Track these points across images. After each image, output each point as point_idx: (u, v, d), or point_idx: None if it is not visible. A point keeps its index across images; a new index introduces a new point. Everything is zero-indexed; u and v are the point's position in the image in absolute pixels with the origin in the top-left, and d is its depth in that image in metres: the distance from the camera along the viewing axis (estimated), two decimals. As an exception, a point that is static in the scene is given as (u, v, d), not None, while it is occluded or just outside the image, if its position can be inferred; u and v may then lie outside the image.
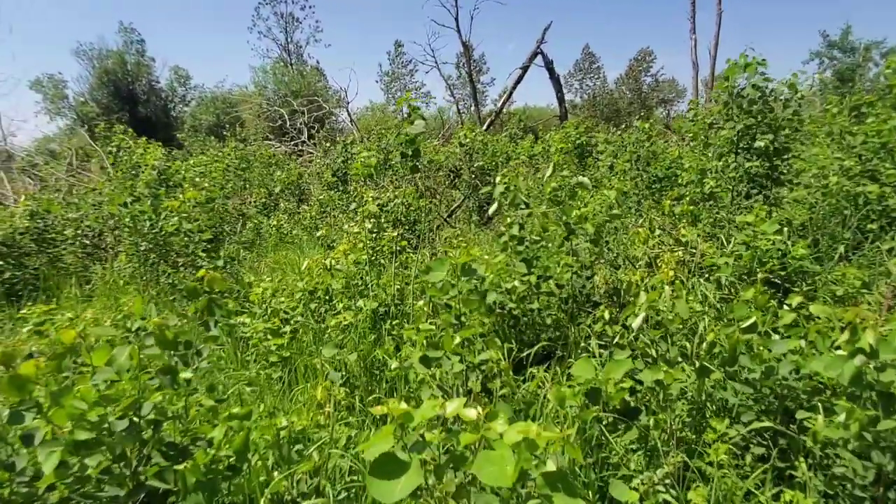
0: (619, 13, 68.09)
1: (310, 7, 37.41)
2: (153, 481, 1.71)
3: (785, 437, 2.05)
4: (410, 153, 3.83)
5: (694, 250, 3.94)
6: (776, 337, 2.16)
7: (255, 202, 9.89)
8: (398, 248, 4.44)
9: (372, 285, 3.83)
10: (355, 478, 2.10)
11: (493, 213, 3.58)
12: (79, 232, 6.32)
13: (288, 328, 3.43)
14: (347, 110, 20.17)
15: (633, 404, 2.21)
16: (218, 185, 8.71)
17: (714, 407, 2.29)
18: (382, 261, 4.48)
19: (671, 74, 40.59)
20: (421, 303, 3.44)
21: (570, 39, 69.55)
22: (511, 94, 18.01)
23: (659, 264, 3.81)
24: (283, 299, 3.76)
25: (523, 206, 3.43)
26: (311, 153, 14.77)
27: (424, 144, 9.68)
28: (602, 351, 2.93)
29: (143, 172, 6.64)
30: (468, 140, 9.34)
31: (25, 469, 1.60)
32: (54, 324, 2.67)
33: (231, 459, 1.83)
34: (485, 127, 15.13)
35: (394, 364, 2.53)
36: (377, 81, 38.22)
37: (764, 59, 4.82)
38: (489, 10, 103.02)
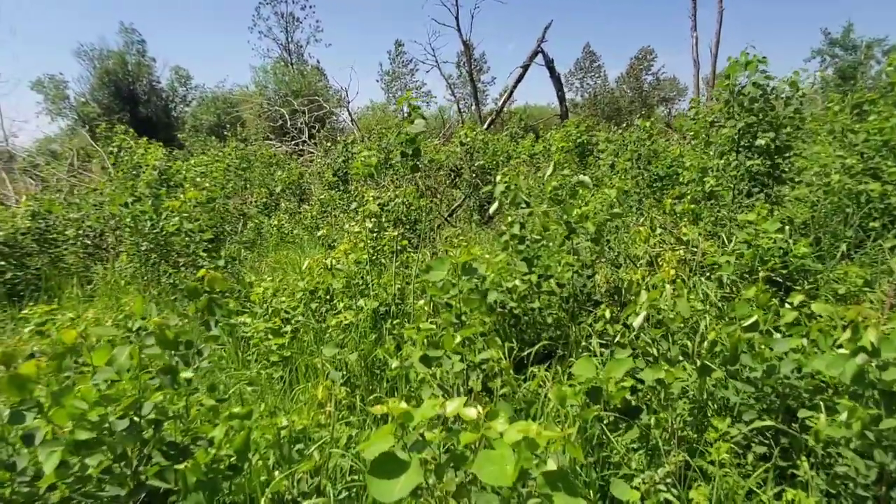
0: (620, 13, 68.15)
1: (310, 7, 37.24)
2: (154, 481, 1.71)
3: (787, 435, 2.05)
4: (411, 152, 3.82)
5: (695, 249, 3.93)
6: (778, 335, 2.16)
7: (255, 202, 9.89)
8: (399, 247, 4.45)
9: (373, 285, 3.83)
10: (356, 477, 2.10)
11: (494, 212, 3.58)
12: (80, 232, 6.33)
13: (289, 328, 3.44)
14: (348, 110, 20.20)
15: (634, 403, 2.20)
16: (219, 185, 8.68)
17: (715, 406, 2.28)
18: (383, 260, 4.49)
19: (672, 73, 40.71)
20: (422, 302, 3.44)
21: (570, 39, 69.72)
22: (512, 93, 18.01)
23: (660, 263, 3.81)
24: (283, 299, 3.76)
25: (524, 205, 3.42)
26: (311, 153, 14.77)
27: (425, 144, 9.68)
28: (603, 350, 2.93)
29: (144, 172, 6.62)
30: (469, 139, 9.33)
31: (26, 469, 1.60)
32: (55, 324, 2.68)
33: (232, 459, 1.83)
34: (485, 126, 15.11)
35: (394, 363, 2.52)
36: (378, 81, 38.29)
37: (765, 57, 4.80)
38: (489, 9, 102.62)
